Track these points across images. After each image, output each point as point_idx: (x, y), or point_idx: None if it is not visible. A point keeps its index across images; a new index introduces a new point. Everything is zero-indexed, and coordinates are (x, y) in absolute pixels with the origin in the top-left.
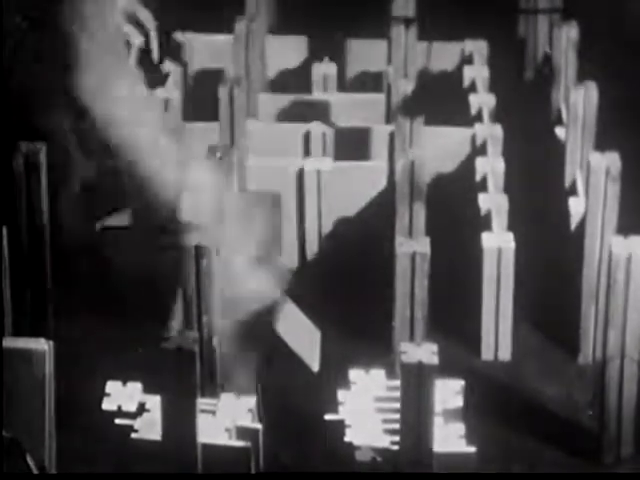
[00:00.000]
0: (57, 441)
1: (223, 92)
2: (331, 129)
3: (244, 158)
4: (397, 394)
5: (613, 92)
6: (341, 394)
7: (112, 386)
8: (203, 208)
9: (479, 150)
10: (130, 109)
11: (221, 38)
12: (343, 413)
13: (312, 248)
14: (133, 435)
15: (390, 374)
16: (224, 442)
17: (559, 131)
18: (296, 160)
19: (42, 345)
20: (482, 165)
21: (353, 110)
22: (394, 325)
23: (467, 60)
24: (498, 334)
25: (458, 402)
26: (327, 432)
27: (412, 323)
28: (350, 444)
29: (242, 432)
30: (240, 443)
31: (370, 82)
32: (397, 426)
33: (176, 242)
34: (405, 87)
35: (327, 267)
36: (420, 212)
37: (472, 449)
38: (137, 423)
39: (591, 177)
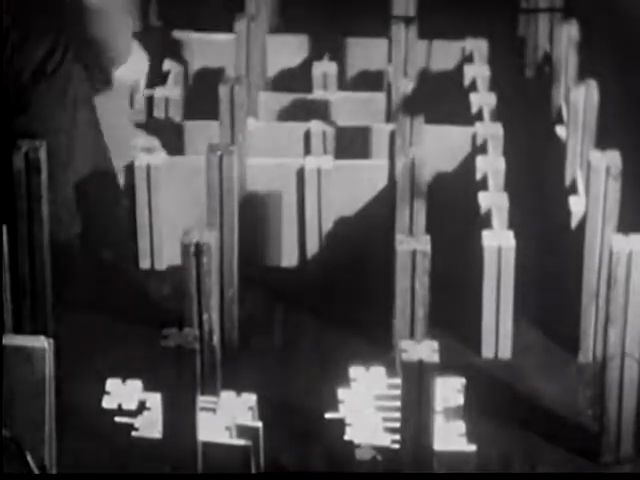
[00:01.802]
0: (57, 440)
1: (224, 91)
2: (331, 128)
3: (244, 157)
4: (397, 392)
5: (614, 91)
6: (341, 392)
7: (112, 384)
8: None
9: (480, 149)
10: None
11: (222, 37)
12: (343, 411)
13: (312, 246)
14: (133, 433)
15: (390, 372)
16: (224, 440)
17: (559, 130)
18: (297, 159)
19: (42, 343)
20: (483, 164)
21: (353, 109)
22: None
23: (468, 59)
24: (498, 332)
25: (458, 400)
26: (327, 431)
27: (413, 321)
28: (350, 442)
29: (242, 430)
30: (240, 441)
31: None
32: (397, 424)
33: None
34: (405, 86)
35: (327, 265)
36: (421, 210)
37: (472, 447)
38: (137, 421)
39: (592, 176)
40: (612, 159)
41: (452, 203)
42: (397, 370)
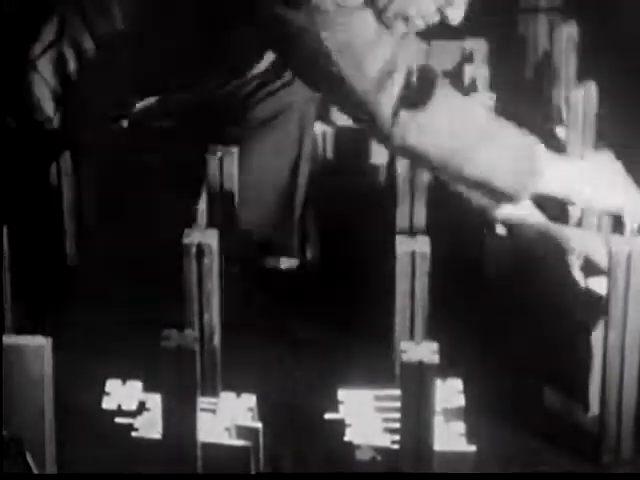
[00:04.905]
0: (57, 440)
1: None
2: (331, 128)
3: None
4: (397, 393)
5: (613, 92)
6: (341, 393)
7: (112, 385)
8: None
9: None
10: None
11: None
12: (343, 412)
13: (312, 247)
14: (133, 434)
15: (390, 373)
16: (224, 441)
17: (559, 130)
18: None
19: (40, 341)
20: None
21: None
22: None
23: (467, 59)
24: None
25: (458, 401)
26: (327, 431)
27: (412, 322)
28: (350, 443)
29: (242, 431)
30: (240, 442)
31: None
32: (397, 425)
33: None
34: None
35: (327, 266)
36: (421, 211)
37: (472, 448)
38: (137, 422)
39: None
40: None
41: (452, 204)
42: (396, 371)
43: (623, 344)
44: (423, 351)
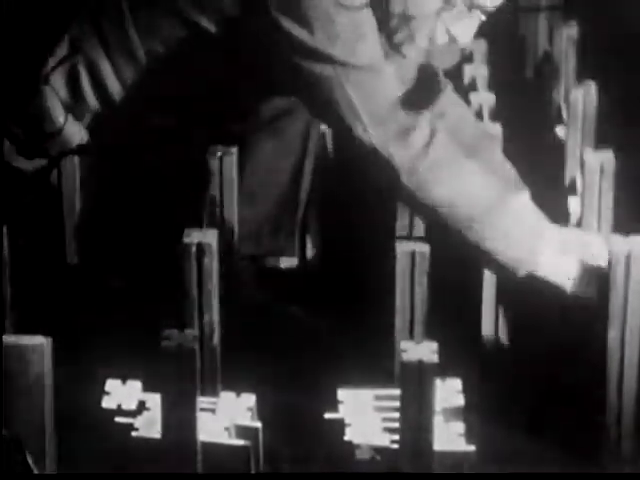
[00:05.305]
0: (57, 440)
1: None
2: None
3: None
4: (397, 392)
5: (613, 91)
6: (341, 392)
7: (112, 384)
8: None
9: None
10: None
11: None
12: (343, 412)
13: (313, 246)
14: (133, 433)
15: (390, 373)
16: (223, 441)
17: (559, 130)
18: None
19: (40, 341)
20: None
21: None
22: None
23: (467, 58)
24: (498, 332)
25: (458, 401)
26: (327, 431)
27: (412, 322)
28: (350, 443)
29: (241, 431)
30: (239, 442)
31: None
32: (397, 425)
33: None
34: None
35: (327, 266)
36: None
37: (472, 448)
38: (137, 421)
39: (585, 175)
40: (605, 158)
41: None
42: (396, 371)
43: (623, 344)
44: (423, 351)
